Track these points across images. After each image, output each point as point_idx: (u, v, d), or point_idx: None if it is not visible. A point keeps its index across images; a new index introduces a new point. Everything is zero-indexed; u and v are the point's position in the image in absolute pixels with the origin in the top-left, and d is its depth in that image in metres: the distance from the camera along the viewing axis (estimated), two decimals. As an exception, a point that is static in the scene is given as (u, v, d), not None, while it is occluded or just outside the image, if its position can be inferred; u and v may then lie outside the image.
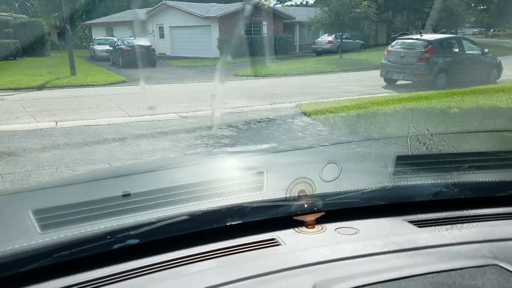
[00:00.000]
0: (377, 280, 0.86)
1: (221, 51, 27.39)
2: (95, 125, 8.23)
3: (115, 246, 0.98)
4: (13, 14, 33.31)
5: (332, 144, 5.66)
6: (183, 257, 0.98)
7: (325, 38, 28.81)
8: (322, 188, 1.21)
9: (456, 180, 1.30)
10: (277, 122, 8.52)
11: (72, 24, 25.19)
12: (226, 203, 1.13)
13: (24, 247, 0.93)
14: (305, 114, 8.91)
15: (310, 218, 1.14)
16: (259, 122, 8.50)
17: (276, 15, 31.17)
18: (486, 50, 14.57)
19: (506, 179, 1.38)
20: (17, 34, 27.92)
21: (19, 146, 6.69)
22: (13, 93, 12.92)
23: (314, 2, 49.46)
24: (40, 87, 14.06)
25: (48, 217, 1.11)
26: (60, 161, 5.90)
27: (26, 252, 0.92)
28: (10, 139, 7.19)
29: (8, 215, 1.28)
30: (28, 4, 57.14)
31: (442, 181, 1.32)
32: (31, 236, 0.99)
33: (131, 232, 1.00)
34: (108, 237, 0.98)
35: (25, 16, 35.24)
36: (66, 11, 16.86)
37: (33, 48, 28.31)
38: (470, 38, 18.43)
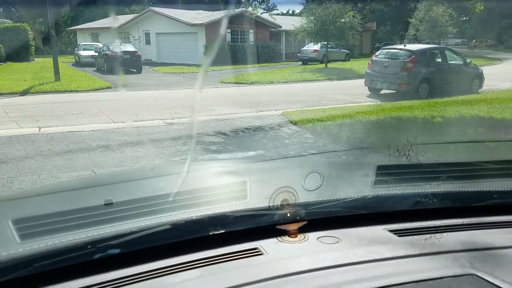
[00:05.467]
0: None
1: (208, 58, 27.40)
2: (79, 131, 8.15)
3: (96, 256, 0.97)
4: (-4, 19, 32.87)
5: (315, 153, 5.70)
6: (165, 267, 0.97)
7: (311, 47, 29.02)
8: (304, 197, 1.22)
9: (435, 190, 1.32)
10: (264, 129, 8.54)
11: (57, 29, 24.99)
12: (209, 212, 1.13)
13: (3, 257, 0.91)
14: (291, 122, 8.95)
15: (292, 227, 1.15)
16: (245, 129, 8.51)
17: (262, 24, 31.36)
18: (468, 60, 14.83)
19: (484, 189, 1.40)
20: (0, 38, 27.54)
21: (0, 152, 6.58)
22: (-5, 98, 12.72)
23: (300, 12, 49.89)
24: (24, 93, 13.87)
25: (28, 226, 1.10)
26: (42, 167, 5.82)
27: (5, 262, 0.91)
28: (-8, 145, 7.07)
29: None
30: (13, 9, 56.44)
31: (422, 191, 1.34)
32: (10, 246, 0.98)
33: (113, 242, 0.99)
34: (89, 246, 0.97)
35: (9, 21, 34.75)
36: (51, 16, 16.71)
37: (17, 53, 27.94)
38: (453, 48, 18.74)
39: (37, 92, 14.04)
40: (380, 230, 1.17)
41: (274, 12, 59.02)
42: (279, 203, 1.17)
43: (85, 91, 14.67)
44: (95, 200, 1.38)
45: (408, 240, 1.12)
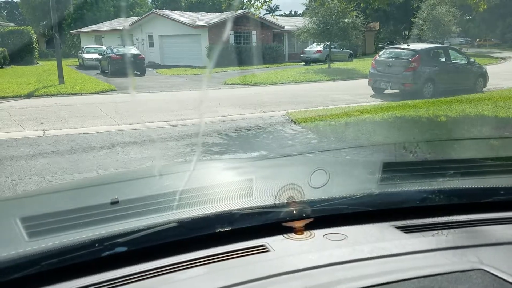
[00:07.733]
0: (365, 285, 0.87)
1: (211, 59, 27.45)
2: (84, 133, 8.18)
3: (104, 254, 0.98)
4: (0, 22, 33.08)
5: (321, 152, 5.69)
6: (172, 264, 0.98)
7: (314, 48, 29.03)
8: (310, 194, 1.22)
9: (442, 187, 1.32)
10: (267, 130, 8.54)
11: (61, 32, 25.07)
12: (215, 210, 1.13)
13: (12, 255, 0.92)
14: (295, 122, 8.95)
15: (299, 224, 1.15)
16: (249, 130, 8.51)
17: (265, 25, 31.38)
18: (472, 59, 14.79)
19: (490, 186, 1.40)
20: (4, 42, 27.75)
21: (6, 155, 6.61)
22: (0, 101, 12.78)
23: (302, 12, 49.90)
24: (28, 96, 13.94)
25: (36, 225, 1.10)
26: (47, 170, 5.84)
27: (13, 260, 0.91)
28: (-3, 147, 7.10)
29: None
30: (16, 12, 56.81)
31: (429, 187, 1.33)
32: (18, 244, 0.98)
33: (120, 240, 0.99)
34: (97, 244, 0.97)
35: (13, 24, 34.99)
36: (54, 19, 16.78)
37: (21, 56, 28.14)
38: (457, 47, 18.70)
39: (42, 95, 14.11)
40: (386, 227, 1.17)
41: (277, 13, 59.16)
42: (285, 201, 1.17)
43: (89, 93, 14.73)
44: (101, 199, 1.38)
45: (415, 236, 1.11)
